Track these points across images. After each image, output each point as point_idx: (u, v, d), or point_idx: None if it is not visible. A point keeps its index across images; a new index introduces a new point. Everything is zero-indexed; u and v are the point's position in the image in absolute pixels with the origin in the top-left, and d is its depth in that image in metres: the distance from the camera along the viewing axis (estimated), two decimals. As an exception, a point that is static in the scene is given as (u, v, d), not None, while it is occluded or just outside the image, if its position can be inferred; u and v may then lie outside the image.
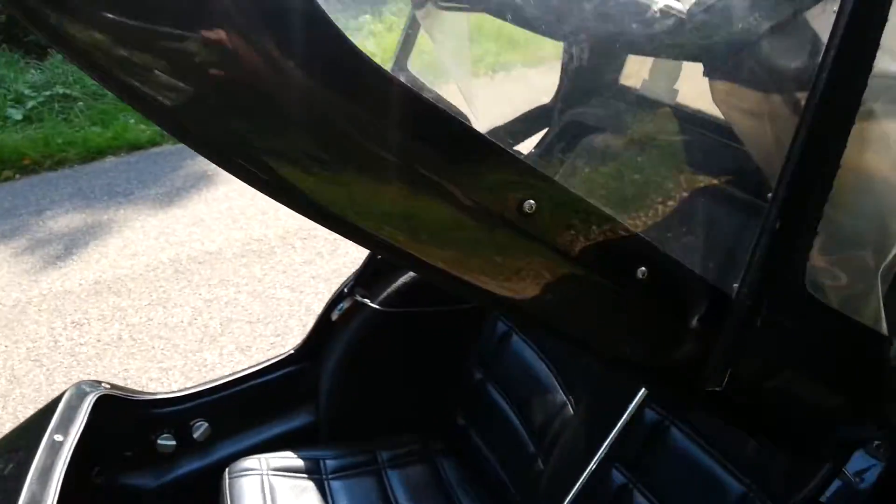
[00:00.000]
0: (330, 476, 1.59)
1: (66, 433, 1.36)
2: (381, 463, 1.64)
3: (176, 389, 1.68)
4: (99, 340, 2.89)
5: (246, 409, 1.70)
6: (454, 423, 1.69)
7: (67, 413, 1.41)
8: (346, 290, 1.67)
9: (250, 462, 1.55)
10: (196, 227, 3.70)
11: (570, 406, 1.38)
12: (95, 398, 1.46)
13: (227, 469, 1.54)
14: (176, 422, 1.63)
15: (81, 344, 2.88)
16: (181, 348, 2.81)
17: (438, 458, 1.67)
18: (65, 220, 3.89)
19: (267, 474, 1.53)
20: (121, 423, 1.57)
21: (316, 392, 1.72)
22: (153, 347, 2.83)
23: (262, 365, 1.72)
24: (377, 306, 1.62)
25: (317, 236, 3.47)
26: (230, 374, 1.70)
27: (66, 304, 3.15)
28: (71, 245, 3.64)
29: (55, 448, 1.32)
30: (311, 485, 1.55)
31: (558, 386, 1.43)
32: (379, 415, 1.74)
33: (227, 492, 1.49)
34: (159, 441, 1.61)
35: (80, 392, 1.48)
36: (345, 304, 1.66)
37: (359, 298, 1.64)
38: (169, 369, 2.71)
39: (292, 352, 1.73)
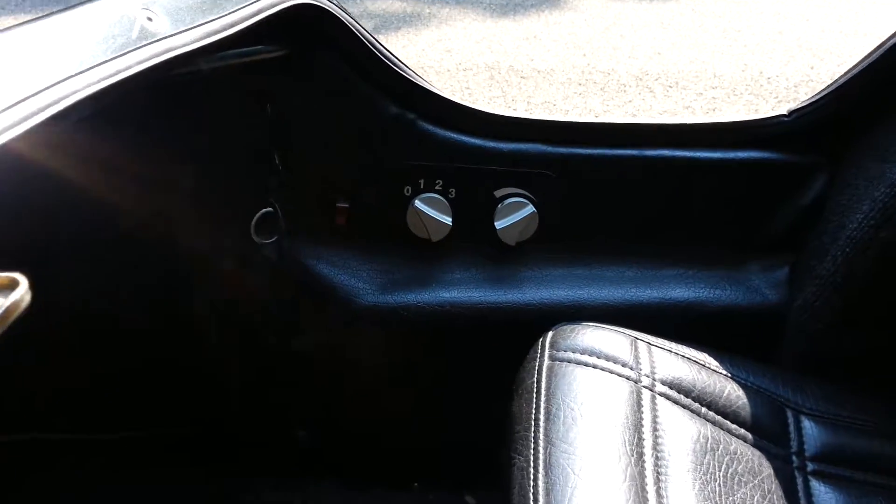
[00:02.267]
0: (813, 467, 0.59)
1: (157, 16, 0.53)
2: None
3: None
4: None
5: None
6: None
7: None
8: None
9: (615, 340, 0.61)
10: (528, 42, 2.84)
11: None
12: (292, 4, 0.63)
13: (549, 334, 0.63)
14: (466, 173, 0.75)
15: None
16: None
17: None
18: (382, 4, 3.28)
19: (654, 389, 0.58)
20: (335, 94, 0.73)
21: (797, 243, 0.73)
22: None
23: (703, 120, 0.76)
24: None
25: (687, 88, 2.43)
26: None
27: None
28: (381, 26, 3.01)
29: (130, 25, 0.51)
30: (753, 461, 0.55)
31: None
32: None
33: (544, 383, 0.57)
34: (417, 202, 0.75)
35: None
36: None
37: None
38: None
39: (784, 115, 0.74)
